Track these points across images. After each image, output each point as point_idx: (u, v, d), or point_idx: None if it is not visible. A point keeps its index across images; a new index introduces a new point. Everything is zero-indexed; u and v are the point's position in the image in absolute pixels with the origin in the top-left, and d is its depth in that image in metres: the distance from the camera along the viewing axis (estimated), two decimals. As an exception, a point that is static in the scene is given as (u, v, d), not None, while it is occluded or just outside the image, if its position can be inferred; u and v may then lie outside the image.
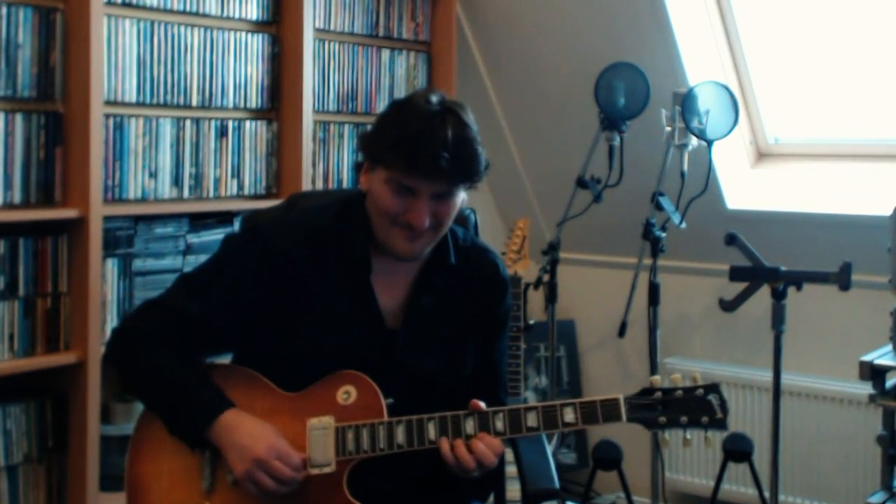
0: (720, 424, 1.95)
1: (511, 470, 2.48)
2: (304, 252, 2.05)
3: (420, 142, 1.91)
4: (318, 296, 2.04)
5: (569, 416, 1.94)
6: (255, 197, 3.22)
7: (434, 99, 1.98)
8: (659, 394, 1.96)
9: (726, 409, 1.96)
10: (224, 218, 3.14)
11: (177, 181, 3.01)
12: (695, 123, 3.20)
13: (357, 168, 2.07)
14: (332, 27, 3.40)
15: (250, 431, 1.96)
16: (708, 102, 3.21)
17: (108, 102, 2.81)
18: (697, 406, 1.95)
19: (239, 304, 2.05)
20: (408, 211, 1.96)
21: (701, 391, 1.96)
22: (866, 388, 2.84)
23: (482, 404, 1.98)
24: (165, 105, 2.98)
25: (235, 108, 3.16)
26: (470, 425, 1.96)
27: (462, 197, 2.02)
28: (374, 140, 2.01)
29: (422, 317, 2.09)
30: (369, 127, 2.07)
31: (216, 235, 3.10)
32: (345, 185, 3.47)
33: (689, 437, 1.97)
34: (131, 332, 2.09)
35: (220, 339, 2.13)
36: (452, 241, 2.12)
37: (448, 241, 2.10)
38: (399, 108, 2.01)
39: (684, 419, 1.95)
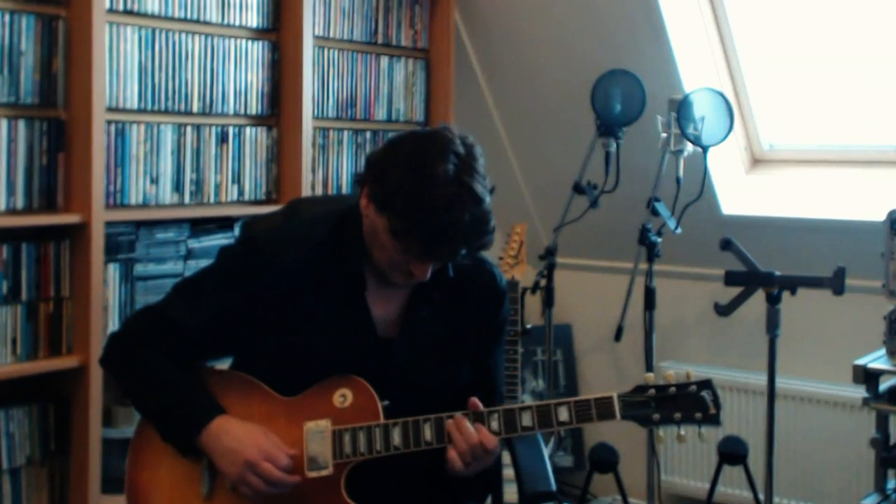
0: (713, 420, 1.97)
1: (508, 472, 2.50)
2: (298, 266, 2.05)
3: (438, 236, 1.88)
4: (311, 308, 2.05)
5: (563, 414, 1.97)
6: (256, 202, 3.24)
7: (451, 169, 1.88)
8: (652, 391, 1.98)
9: (719, 405, 1.97)
10: (224, 223, 3.17)
11: (178, 187, 3.03)
12: (690, 130, 3.21)
13: (358, 182, 2.01)
14: (331, 34, 3.43)
15: (239, 435, 1.98)
16: (703, 109, 3.23)
17: (109, 109, 2.84)
18: (691, 402, 1.97)
19: (233, 316, 2.06)
20: (411, 265, 1.96)
21: (694, 387, 1.98)
22: (860, 392, 2.87)
23: (480, 403, 2.00)
24: (166, 111, 3.00)
25: (236, 114, 3.19)
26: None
27: None
28: (387, 200, 1.92)
29: (419, 327, 2.10)
30: (381, 160, 1.97)
31: (217, 241, 3.12)
32: (344, 190, 3.49)
33: (683, 433, 1.98)
34: (127, 338, 2.11)
35: (214, 348, 2.15)
36: None
37: None
38: (416, 181, 1.89)
39: (678, 416, 1.97)
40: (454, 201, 1.87)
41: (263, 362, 2.08)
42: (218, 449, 1.99)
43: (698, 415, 1.97)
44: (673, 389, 1.98)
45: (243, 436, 1.98)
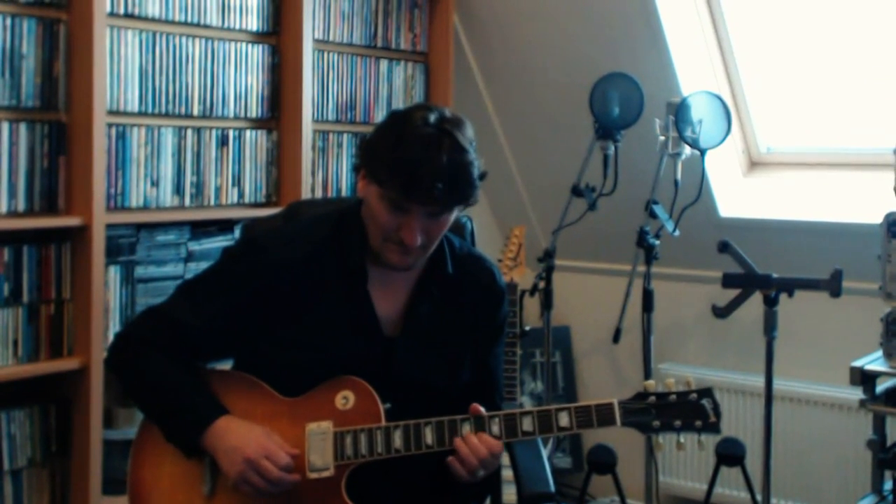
0: (713, 428, 1.98)
1: (507, 474, 2.51)
2: (301, 264, 2.07)
3: (415, 170, 1.91)
4: (315, 306, 2.07)
5: (564, 420, 1.97)
6: (256, 205, 3.25)
7: (432, 119, 1.96)
8: (653, 398, 1.98)
9: (719, 413, 1.98)
10: (225, 226, 3.18)
11: (178, 190, 3.04)
12: (688, 133, 3.22)
13: (357, 170, 2.07)
14: (331, 38, 3.44)
15: (241, 434, 1.99)
16: (701, 112, 3.24)
17: (110, 112, 2.85)
18: (691, 410, 1.97)
19: (236, 315, 2.08)
20: (401, 228, 1.97)
21: (694, 395, 1.98)
22: (857, 394, 2.88)
23: (482, 409, 2.01)
24: (167, 115, 3.01)
25: (236, 117, 3.20)
26: (466, 430, 1.99)
27: (455, 213, 2.05)
28: (372, 155, 2.00)
29: (420, 325, 2.11)
30: (369, 135, 2.06)
31: (217, 243, 3.14)
32: (344, 193, 3.51)
33: (682, 440, 1.99)
34: (131, 339, 2.12)
35: (218, 348, 2.16)
36: (449, 250, 2.14)
37: (445, 250, 2.13)
38: (397, 128, 1.98)
39: (678, 423, 1.97)
40: (431, 140, 1.93)
41: (266, 363, 2.09)
42: (221, 448, 1.99)
43: (698, 423, 1.97)
44: (673, 397, 1.98)
45: (246, 435, 1.99)
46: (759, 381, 3.21)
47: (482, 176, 2.02)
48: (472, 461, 1.97)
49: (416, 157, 1.92)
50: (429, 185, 1.91)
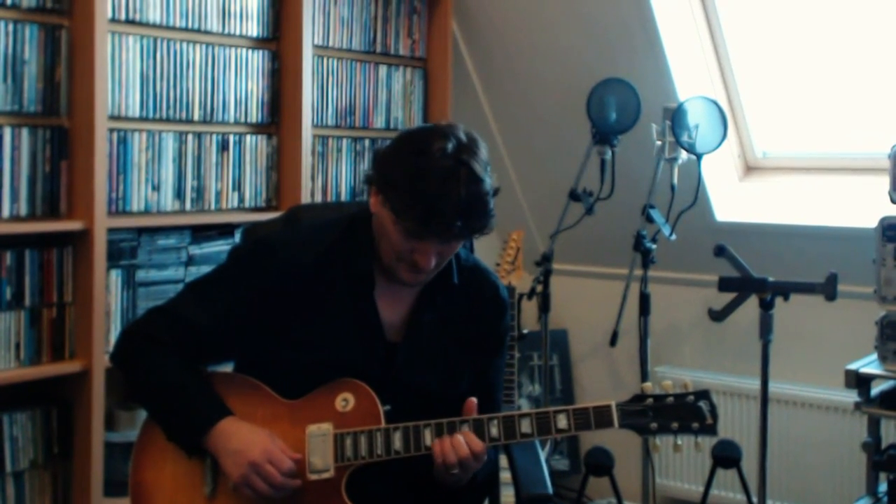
0: (710, 430, 1.99)
1: (505, 476, 2.52)
2: (309, 266, 2.08)
3: (434, 205, 1.90)
4: (320, 309, 2.08)
5: (562, 422, 1.98)
6: (256, 209, 3.27)
7: (450, 148, 1.93)
8: (650, 400, 1.99)
9: (716, 416, 1.99)
10: (225, 230, 3.19)
11: (179, 194, 3.06)
12: (684, 138, 3.24)
13: (366, 181, 2.06)
14: (330, 44, 3.46)
15: (245, 437, 2.00)
16: (697, 117, 3.26)
17: (112, 117, 2.87)
18: (688, 412, 1.98)
19: (242, 315, 2.09)
20: (415, 251, 1.98)
21: (691, 398, 1.99)
22: (852, 396, 2.89)
23: (475, 406, 2.02)
24: (168, 120, 3.03)
25: (236, 122, 3.21)
26: (465, 432, 2.00)
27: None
28: (388, 182, 1.98)
29: (423, 332, 2.13)
30: (383, 154, 2.03)
31: (218, 247, 3.15)
32: (343, 197, 3.52)
33: (679, 442, 2.00)
34: (137, 335, 2.13)
35: (222, 348, 2.17)
36: (455, 261, 2.14)
37: (452, 261, 2.13)
38: (415, 159, 1.94)
39: (675, 425, 1.98)
40: (450, 174, 1.91)
41: (267, 364, 2.10)
42: (224, 449, 2.01)
43: (695, 425, 1.98)
44: (670, 399, 1.99)
45: (249, 438, 2.00)
46: (754, 384, 3.22)
47: (494, 192, 2.01)
48: (451, 457, 1.97)
49: (435, 193, 1.90)
50: (448, 221, 1.92)
